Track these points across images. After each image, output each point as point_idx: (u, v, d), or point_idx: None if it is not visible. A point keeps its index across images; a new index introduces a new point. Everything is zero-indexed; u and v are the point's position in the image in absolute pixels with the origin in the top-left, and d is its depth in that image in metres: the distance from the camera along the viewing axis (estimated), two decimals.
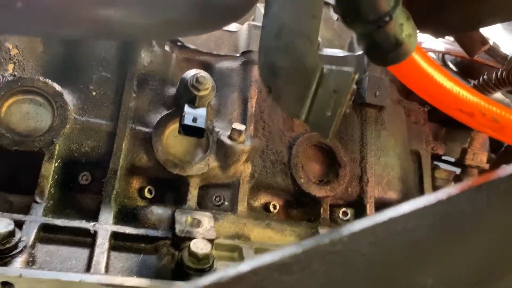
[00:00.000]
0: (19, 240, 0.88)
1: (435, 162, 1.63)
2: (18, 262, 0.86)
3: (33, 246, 0.92)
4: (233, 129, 1.18)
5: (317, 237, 0.45)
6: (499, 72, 1.30)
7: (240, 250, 1.10)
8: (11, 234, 0.86)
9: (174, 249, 1.03)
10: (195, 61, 1.32)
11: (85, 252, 0.97)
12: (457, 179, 1.57)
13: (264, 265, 0.42)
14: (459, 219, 0.46)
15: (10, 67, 1.12)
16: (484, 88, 1.30)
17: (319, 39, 1.29)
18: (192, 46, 1.33)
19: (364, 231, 0.44)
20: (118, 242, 1.02)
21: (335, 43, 1.68)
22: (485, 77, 1.29)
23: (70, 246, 0.98)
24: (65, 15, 0.52)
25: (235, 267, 0.42)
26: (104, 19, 0.53)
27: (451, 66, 1.62)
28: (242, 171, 1.23)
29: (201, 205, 1.20)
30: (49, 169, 1.07)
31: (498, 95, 1.49)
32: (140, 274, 0.96)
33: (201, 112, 1.12)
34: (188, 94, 1.15)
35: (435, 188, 1.53)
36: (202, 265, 0.95)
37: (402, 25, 0.63)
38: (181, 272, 0.96)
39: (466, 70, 1.57)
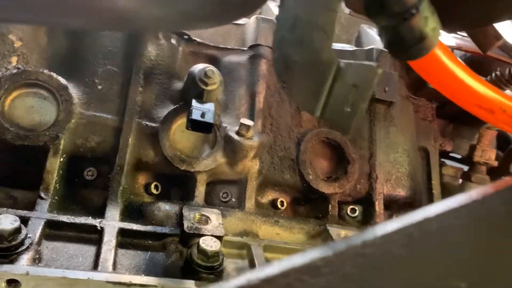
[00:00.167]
0: (25, 237, 0.86)
1: (441, 159, 1.62)
2: (25, 259, 0.84)
3: (39, 243, 0.90)
4: (241, 124, 1.16)
5: (348, 239, 0.43)
6: None
7: (249, 247, 1.08)
8: (17, 231, 0.84)
9: (182, 246, 1.01)
10: (201, 54, 1.30)
11: (91, 249, 0.95)
12: (465, 176, 1.56)
13: (293, 267, 0.40)
14: (494, 219, 0.44)
15: (14, 59, 1.09)
16: (496, 84, 1.28)
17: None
18: (198, 40, 1.30)
19: (397, 232, 0.42)
20: (125, 239, 1.00)
21: (342, 38, 1.66)
22: (497, 72, 1.26)
23: (76, 243, 0.96)
24: (81, 5, 0.50)
25: (263, 269, 0.40)
26: (121, 10, 0.51)
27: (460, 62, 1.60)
28: (250, 167, 1.21)
29: (208, 201, 1.18)
30: (54, 164, 1.05)
31: (508, 92, 1.47)
32: (148, 271, 0.94)
33: (209, 107, 1.09)
34: (195, 89, 1.13)
35: (442, 185, 1.51)
36: (212, 262, 0.93)
37: (427, 18, 0.60)
38: (190, 269, 0.94)
39: (475, 66, 1.55)
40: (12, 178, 1.06)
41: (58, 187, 1.05)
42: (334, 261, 0.40)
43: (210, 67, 1.13)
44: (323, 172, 1.29)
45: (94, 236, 0.97)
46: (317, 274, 0.40)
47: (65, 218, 0.97)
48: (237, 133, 1.16)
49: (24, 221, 0.91)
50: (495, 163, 1.52)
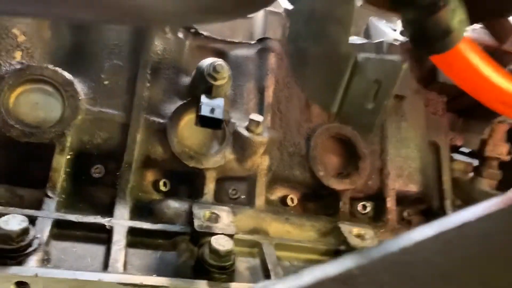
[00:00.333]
0: (34, 238, 0.83)
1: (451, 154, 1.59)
2: (33, 260, 0.81)
3: (47, 244, 0.88)
4: (250, 120, 1.13)
5: (383, 246, 0.41)
6: None
7: (260, 246, 1.06)
8: (25, 231, 0.82)
9: (193, 245, 0.99)
10: (209, 48, 1.27)
11: (100, 249, 0.93)
12: (476, 171, 1.54)
13: (328, 277, 0.38)
14: None
15: (18, 54, 1.06)
16: None
17: None
18: (205, 33, 1.27)
19: (435, 239, 0.40)
20: (135, 238, 0.97)
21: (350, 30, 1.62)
22: (511, 67, 1.24)
23: (85, 242, 0.94)
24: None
25: (294, 279, 0.38)
26: (137, 4, 0.49)
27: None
28: (260, 163, 1.18)
29: (217, 198, 1.16)
30: (61, 162, 1.02)
31: None
32: (159, 271, 0.92)
33: (219, 102, 1.07)
34: (204, 84, 1.10)
35: (453, 180, 1.49)
36: (224, 262, 0.91)
37: (454, 10, 0.58)
38: (202, 269, 0.92)
39: None
40: (18, 176, 1.04)
41: (65, 185, 1.02)
42: (370, 270, 0.38)
43: (219, 61, 1.10)
44: (333, 168, 1.27)
45: (103, 236, 0.95)
46: (353, 284, 0.38)
47: (73, 218, 0.95)
48: (247, 129, 1.14)
49: (32, 220, 0.89)
50: (507, 158, 1.50)
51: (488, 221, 0.41)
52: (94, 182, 1.09)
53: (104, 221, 0.97)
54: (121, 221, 0.99)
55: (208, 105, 1.05)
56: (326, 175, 1.23)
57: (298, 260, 1.10)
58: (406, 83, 1.34)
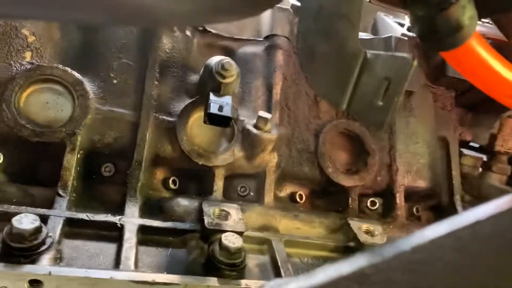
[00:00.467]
0: (46, 236, 0.84)
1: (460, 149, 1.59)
2: (46, 259, 0.82)
3: (59, 242, 0.89)
4: (259, 117, 1.13)
5: (395, 244, 0.41)
6: None
7: (270, 242, 1.07)
8: (38, 230, 0.83)
9: (203, 242, 0.99)
10: (216, 46, 1.27)
11: (112, 247, 0.94)
12: (486, 165, 1.53)
13: (341, 275, 0.38)
14: None
15: (28, 55, 1.07)
16: None
17: None
18: (213, 31, 1.27)
19: (448, 236, 0.40)
20: (146, 236, 0.98)
21: None
22: None
23: (97, 241, 0.94)
24: (103, 0, 0.48)
25: (307, 278, 0.38)
26: (146, 6, 0.49)
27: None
28: (268, 161, 1.19)
29: (226, 195, 1.16)
30: (72, 161, 1.03)
31: None
32: (170, 269, 0.93)
33: (227, 100, 1.07)
34: (212, 81, 1.10)
35: (462, 175, 1.49)
36: (234, 259, 0.92)
37: (464, 7, 0.57)
38: (212, 266, 0.93)
39: None
40: (29, 176, 1.05)
41: (76, 184, 1.03)
42: (383, 269, 0.38)
43: (227, 59, 1.10)
44: (342, 165, 1.27)
45: (114, 234, 0.96)
46: (366, 283, 0.38)
47: (84, 216, 0.96)
48: (255, 126, 1.14)
49: (44, 219, 0.90)
50: None
51: (501, 218, 0.41)
52: (105, 180, 1.10)
53: (115, 219, 0.97)
54: (131, 219, 0.99)
55: (217, 103, 1.05)
56: (335, 171, 1.23)
57: (307, 256, 1.10)
58: (415, 78, 1.34)
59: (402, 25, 1.62)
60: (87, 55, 1.13)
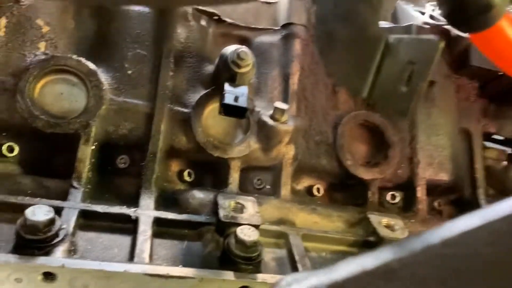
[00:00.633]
0: (60, 228, 0.83)
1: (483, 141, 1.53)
2: (60, 251, 0.81)
3: (73, 234, 0.88)
4: (275, 108, 1.11)
5: (423, 237, 0.38)
6: None
7: (286, 236, 1.04)
8: (52, 222, 0.81)
9: (219, 235, 0.98)
10: (232, 36, 1.25)
11: (126, 240, 0.93)
12: (510, 158, 1.48)
13: (365, 270, 0.35)
14: None
15: (42, 45, 1.06)
16: None
17: None
18: (229, 20, 1.25)
19: (481, 229, 0.37)
20: (161, 229, 0.96)
21: None
22: None
23: (111, 233, 0.93)
24: None
25: (327, 273, 0.35)
26: None
27: None
28: (285, 153, 1.16)
29: (242, 188, 1.14)
30: (86, 153, 1.02)
31: None
32: (185, 262, 0.91)
33: (243, 90, 1.04)
34: (227, 71, 1.08)
35: (485, 169, 1.44)
36: (251, 253, 0.90)
37: None
38: (228, 260, 0.90)
39: None
40: (44, 167, 1.04)
41: (90, 176, 1.02)
42: (411, 263, 0.35)
43: (242, 48, 1.07)
44: (361, 157, 1.24)
45: (128, 226, 0.95)
46: (392, 278, 0.35)
47: (99, 208, 0.94)
48: (271, 117, 1.12)
49: (58, 211, 0.89)
50: None
51: None
52: (120, 172, 1.09)
53: (130, 211, 0.96)
54: (146, 211, 0.98)
55: (232, 93, 1.03)
56: (354, 164, 1.20)
57: (325, 251, 1.07)
58: (436, 67, 1.29)
59: (423, 13, 1.57)
60: (101, 45, 1.11)
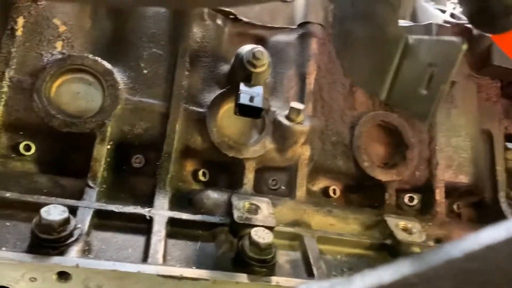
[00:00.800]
0: (75, 228, 0.83)
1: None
2: (74, 251, 0.81)
3: (88, 234, 0.88)
4: (291, 108, 1.09)
5: (444, 250, 0.36)
6: None
7: (301, 238, 1.03)
8: (66, 221, 0.82)
9: (233, 236, 0.97)
10: (248, 35, 1.24)
11: (141, 240, 0.92)
12: None
13: (383, 284, 0.34)
14: None
15: (59, 44, 1.07)
16: None
17: None
18: (245, 19, 1.23)
19: (508, 243, 0.35)
20: (175, 229, 0.96)
21: None
22: None
23: (126, 233, 0.93)
24: None
25: (345, 283, 0.34)
26: None
27: None
28: (301, 153, 1.14)
29: (256, 189, 1.13)
30: (101, 152, 1.02)
31: None
32: (199, 263, 0.91)
33: (258, 90, 1.03)
34: (243, 71, 1.07)
35: (507, 171, 1.40)
36: (265, 255, 0.88)
37: None
38: (242, 261, 0.90)
39: None
40: (60, 166, 1.05)
41: (105, 175, 1.02)
42: (431, 278, 0.34)
43: (258, 47, 1.06)
44: (379, 158, 1.22)
45: (143, 226, 0.94)
46: None
47: (114, 208, 0.94)
48: (287, 117, 1.10)
49: (73, 210, 0.89)
50: None
51: None
52: (135, 172, 1.09)
53: (144, 211, 0.96)
54: (161, 211, 0.98)
55: (247, 93, 1.02)
56: (371, 165, 1.18)
57: (341, 254, 1.06)
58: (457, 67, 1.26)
59: (443, 11, 1.53)
60: (117, 44, 1.12)
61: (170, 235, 0.95)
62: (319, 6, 1.23)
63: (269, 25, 1.25)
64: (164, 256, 0.88)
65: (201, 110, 1.09)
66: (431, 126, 1.24)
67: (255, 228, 0.91)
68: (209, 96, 1.11)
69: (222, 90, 1.11)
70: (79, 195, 0.97)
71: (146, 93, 1.08)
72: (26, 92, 1.00)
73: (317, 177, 1.21)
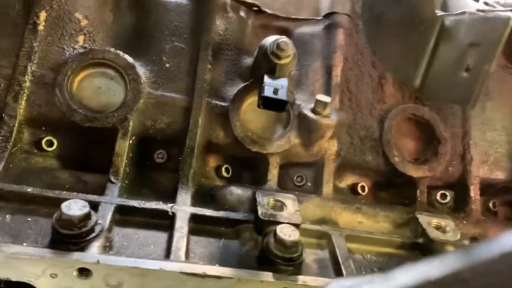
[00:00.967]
0: (96, 223, 0.82)
1: None
2: (95, 247, 0.80)
3: (109, 229, 0.86)
4: (317, 101, 1.05)
5: (498, 242, 0.32)
6: None
7: (329, 237, 0.99)
8: (87, 216, 0.80)
9: (257, 233, 0.93)
10: (272, 27, 1.20)
11: (163, 236, 0.90)
12: None
13: (431, 280, 0.30)
14: None
15: (81, 38, 1.06)
16: None
17: None
18: (269, 11, 1.20)
19: None
20: (197, 225, 0.93)
21: None
22: None
23: (147, 229, 0.91)
24: None
25: (387, 278, 0.30)
26: None
27: None
28: (327, 148, 1.10)
29: (281, 185, 1.10)
30: (124, 147, 1.00)
31: None
32: (222, 261, 0.88)
33: (282, 82, 1.00)
34: (267, 63, 1.03)
35: None
36: (291, 253, 0.85)
37: None
38: (267, 260, 0.86)
39: None
40: (81, 161, 1.04)
41: (128, 171, 1.01)
42: (486, 273, 0.30)
43: (283, 38, 1.03)
44: (410, 154, 1.17)
45: (165, 222, 0.92)
46: None
47: (135, 203, 0.92)
48: (313, 110, 1.07)
49: (94, 206, 0.88)
50: None
51: None
52: (157, 167, 1.07)
53: (167, 207, 0.94)
54: (183, 207, 0.95)
55: (271, 86, 0.98)
56: (402, 160, 1.13)
57: (370, 253, 1.01)
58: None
59: (476, 0, 1.47)
60: (139, 38, 1.10)
61: (192, 231, 0.92)
62: None
63: (293, 17, 1.21)
64: (187, 253, 0.86)
65: (224, 104, 1.07)
66: (465, 119, 1.18)
67: (281, 225, 0.88)
68: (232, 90, 1.08)
69: (245, 83, 1.08)
70: (101, 191, 0.95)
71: (168, 87, 1.06)
72: (48, 87, 1.00)
73: (345, 173, 1.16)
